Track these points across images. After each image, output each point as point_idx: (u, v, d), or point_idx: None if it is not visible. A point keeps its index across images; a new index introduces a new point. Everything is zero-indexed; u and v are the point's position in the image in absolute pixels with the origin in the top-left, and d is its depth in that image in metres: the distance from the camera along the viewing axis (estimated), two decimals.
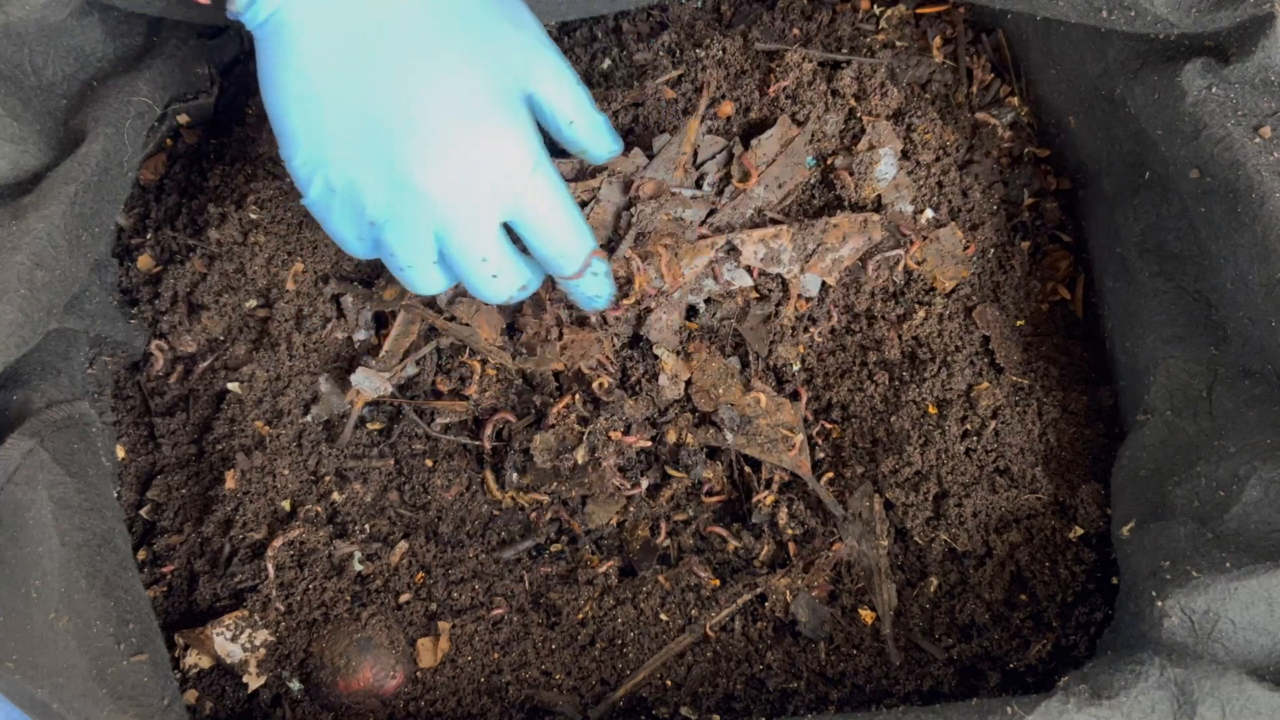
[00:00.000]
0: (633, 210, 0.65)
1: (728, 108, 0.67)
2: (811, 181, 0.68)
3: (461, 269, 0.56)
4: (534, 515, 0.66)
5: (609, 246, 0.65)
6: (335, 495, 0.65)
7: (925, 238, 0.67)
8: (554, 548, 0.66)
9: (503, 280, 0.57)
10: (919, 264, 0.67)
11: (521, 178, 0.54)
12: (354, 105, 0.52)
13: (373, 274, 0.69)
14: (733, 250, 0.66)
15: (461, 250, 0.55)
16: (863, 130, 0.67)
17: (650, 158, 0.66)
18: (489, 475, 0.66)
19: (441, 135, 0.52)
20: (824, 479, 0.65)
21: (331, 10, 0.52)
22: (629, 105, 0.68)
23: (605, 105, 0.68)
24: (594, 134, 0.59)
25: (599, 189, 0.66)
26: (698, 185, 0.66)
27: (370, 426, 0.67)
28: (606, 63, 0.71)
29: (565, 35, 0.73)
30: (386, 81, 0.52)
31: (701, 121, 0.67)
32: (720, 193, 0.67)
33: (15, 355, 0.54)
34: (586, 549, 0.66)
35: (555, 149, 0.59)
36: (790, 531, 0.64)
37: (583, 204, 0.65)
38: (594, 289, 0.61)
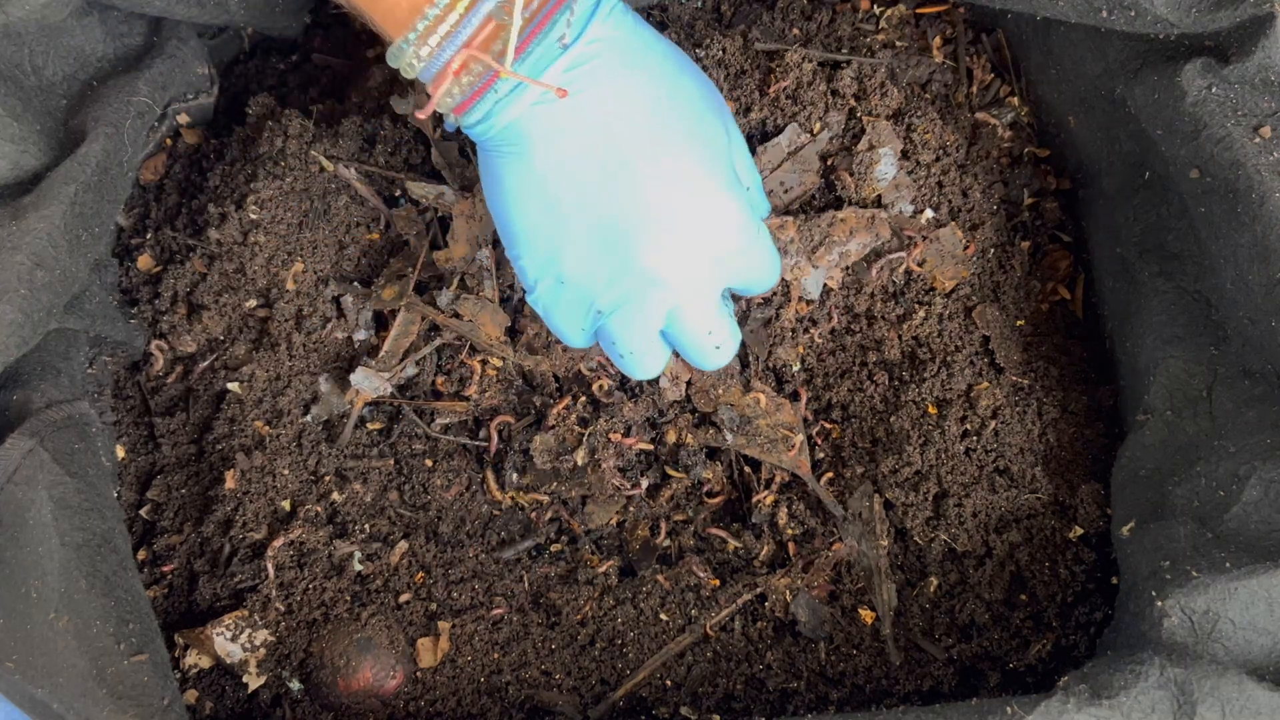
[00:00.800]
0: None
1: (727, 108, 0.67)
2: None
3: (687, 344, 0.59)
4: (534, 515, 0.66)
5: None
6: (335, 495, 0.65)
7: (925, 238, 0.67)
8: (554, 548, 0.66)
9: (724, 348, 0.60)
10: (919, 264, 0.67)
11: (743, 245, 0.57)
12: (587, 205, 0.55)
13: (372, 273, 0.69)
14: None
15: (690, 327, 0.58)
16: (863, 130, 0.67)
17: None
18: (489, 475, 0.66)
19: (673, 223, 0.55)
20: (824, 479, 0.65)
21: (567, 118, 0.53)
22: None
23: None
24: (760, 200, 0.64)
25: None
26: None
27: (370, 426, 0.67)
28: None
29: None
30: (618, 179, 0.54)
31: None
32: None
33: (15, 355, 0.54)
34: (586, 549, 0.66)
35: None
36: (790, 531, 0.64)
37: None
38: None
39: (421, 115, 0.53)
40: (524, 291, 0.59)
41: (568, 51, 0.52)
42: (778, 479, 0.65)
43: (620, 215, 0.55)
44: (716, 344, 0.59)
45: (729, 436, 0.65)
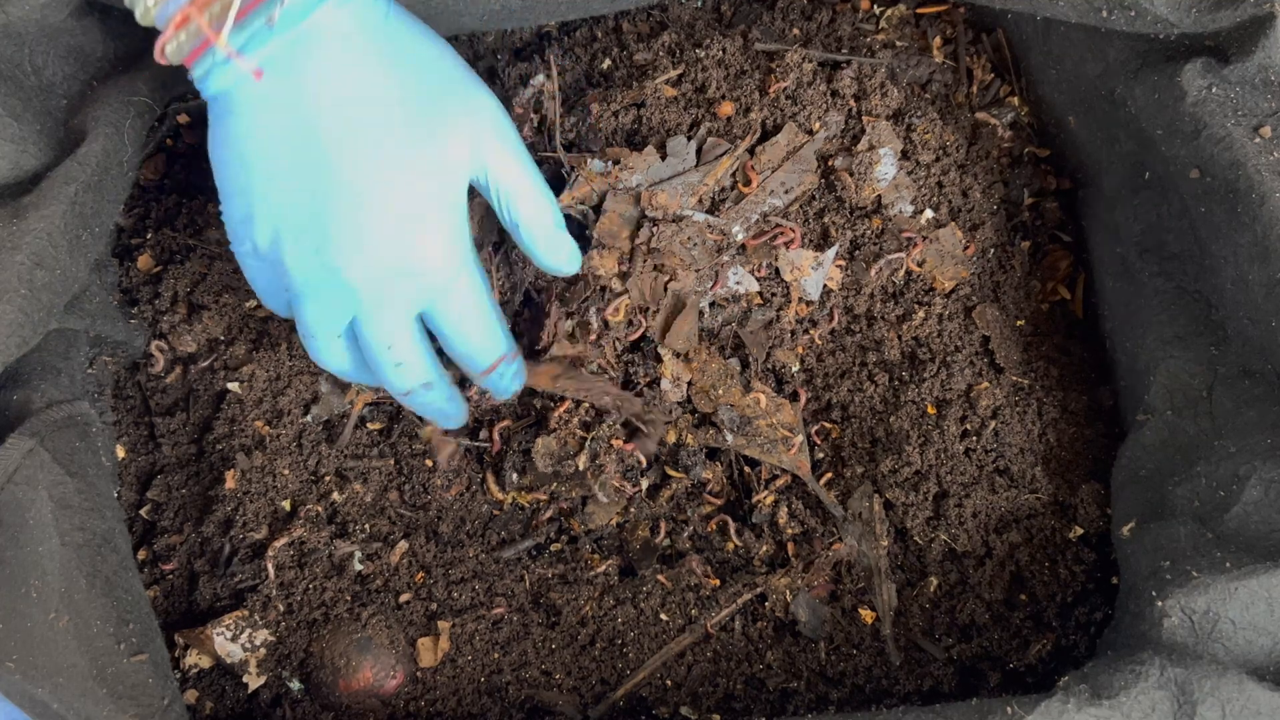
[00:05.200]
0: (651, 231, 0.64)
1: (728, 108, 0.67)
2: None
3: (368, 352, 0.57)
4: (534, 515, 0.66)
5: (621, 262, 0.65)
6: (335, 495, 0.65)
7: (925, 238, 0.67)
8: (554, 547, 0.66)
9: (406, 371, 0.57)
10: (919, 265, 0.67)
11: (443, 278, 0.55)
12: (290, 182, 0.53)
13: None
14: (739, 254, 0.66)
15: (371, 336, 0.56)
16: (863, 130, 0.67)
17: (664, 157, 0.66)
18: (489, 476, 0.66)
19: (372, 229, 0.53)
20: (823, 479, 0.65)
21: (279, 94, 0.52)
22: (629, 105, 0.68)
23: (606, 105, 0.68)
24: (551, 249, 0.60)
25: (601, 200, 0.65)
26: (711, 211, 0.66)
27: (370, 426, 0.67)
28: (606, 62, 0.71)
29: (565, 35, 0.73)
30: (325, 167, 0.53)
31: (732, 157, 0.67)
32: (724, 200, 0.66)
33: (15, 355, 0.54)
34: (586, 549, 0.66)
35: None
36: (790, 531, 0.64)
37: (569, 218, 0.65)
38: (499, 385, 0.61)
39: (156, 56, 0.53)
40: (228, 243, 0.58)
41: (281, 32, 0.51)
42: (779, 480, 0.65)
43: (310, 205, 0.53)
44: (397, 361, 0.56)
45: (729, 437, 0.65)
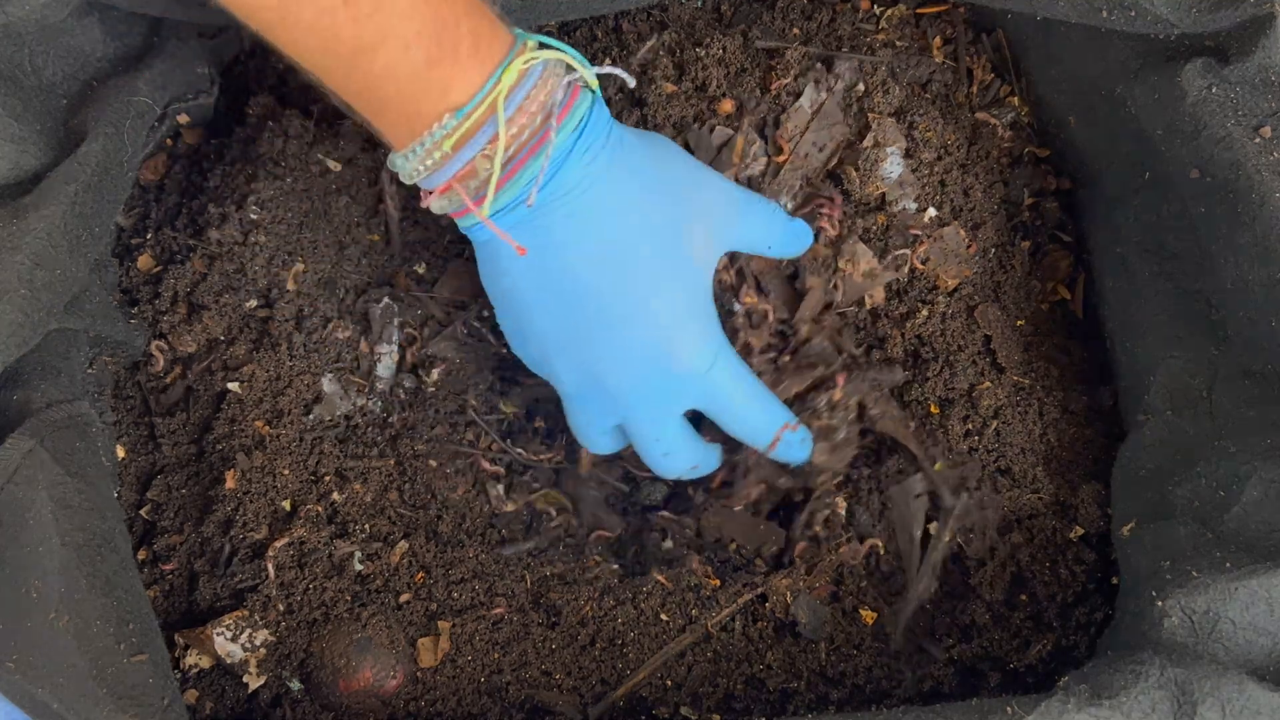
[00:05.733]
0: None
1: (728, 105, 0.67)
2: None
3: (636, 445, 0.62)
4: (535, 515, 0.66)
5: None
6: (335, 495, 0.65)
7: (930, 236, 0.67)
8: (555, 547, 0.66)
9: (673, 460, 0.61)
10: (923, 263, 0.67)
11: (700, 376, 0.59)
12: (555, 311, 0.58)
13: (373, 274, 0.69)
14: None
15: (637, 433, 0.61)
16: (868, 126, 0.67)
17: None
18: (496, 488, 0.66)
19: (630, 346, 0.58)
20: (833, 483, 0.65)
21: (537, 234, 0.56)
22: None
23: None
24: (794, 244, 0.64)
25: None
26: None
27: (371, 426, 0.67)
28: (606, 62, 0.71)
29: (565, 35, 0.73)
30: (583, 299, 0.57)
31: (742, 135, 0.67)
32: (763, 176, 0.66)
33: (15, 355, 0.54)
34: (587, 549, 0.66)
35: None
36: (817, 530, 0.64)
37: None
38: (788, 455, 0.63)
39: (423, 204, 0.58)
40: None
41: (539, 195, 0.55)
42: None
43: (575, 329, 0.58)
44: (664, 452, 0.61)
45: None
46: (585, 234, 0.57)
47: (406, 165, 0.56)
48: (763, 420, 0.61)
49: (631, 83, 0.60)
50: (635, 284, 0.57)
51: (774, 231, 0.63)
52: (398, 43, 0.51)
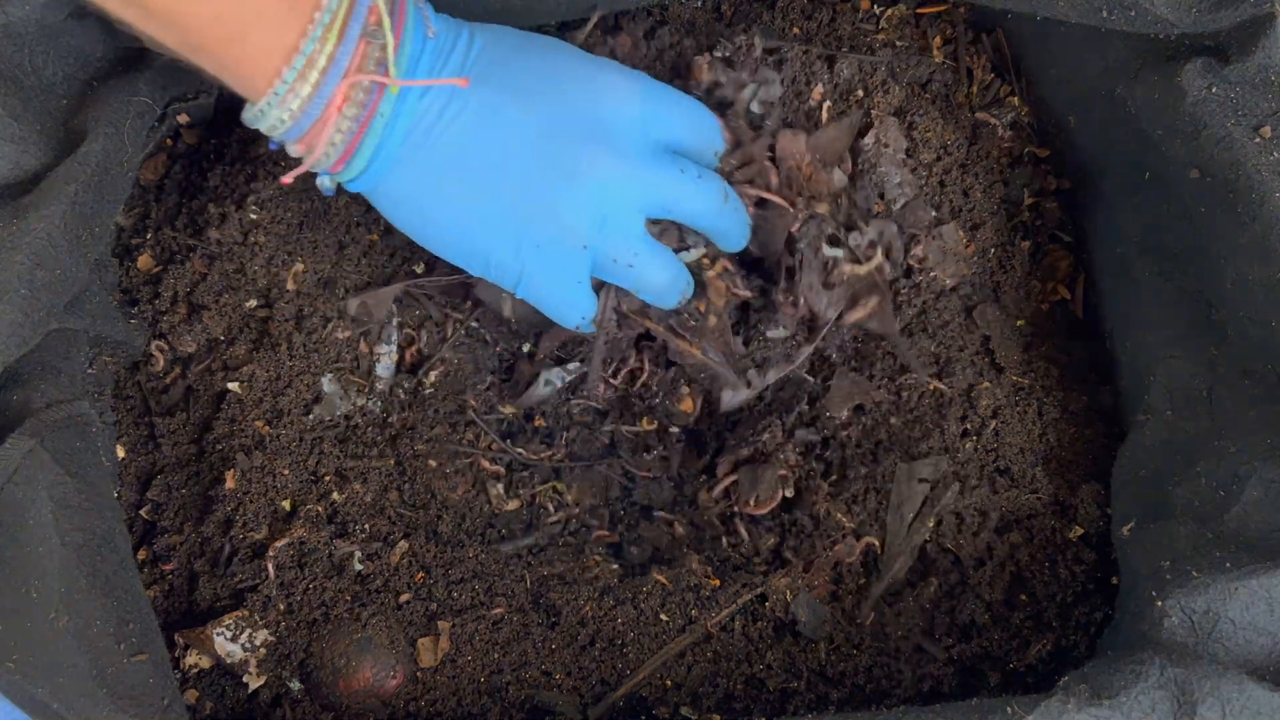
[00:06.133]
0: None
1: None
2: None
3: (617, 275, 0.59)
4: (536, 513, 0.66)
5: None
6: (335, 495, 0.65)
7: (929, 235, 0.67)
8: (555, 545, 0.66)
9: (662, 263, 0.59)
10: (921, 262, 0.67)
11: (643, 177, 0.57)
12: (520, 155, 0.56)
13: (373, 274, 0.69)
14: None
15: (616, 253, 0.58)
16: (869, 125, 0.67)
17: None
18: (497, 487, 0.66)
19: (581, 165, 0.56)
20: (827, 481, 0.65)
21: (455, 96, 0.55)
22: None
23: None
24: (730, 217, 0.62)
25: None
26: None
27: (371, 426, 0.67)
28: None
29: (565, 35, 0.73)
30: (533, 116, 0.55)
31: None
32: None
33: (15, 355, 0.54)
34: (587, 548, 0.66)
35: None
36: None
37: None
38: (735, 221, 0.62)
39: (288, 180, 0.53)
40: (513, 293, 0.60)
41: (438, 51, 0.53)
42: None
43: (517, 190, 0.56)
44: (655, 263, 0.59)
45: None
46: (496, 60, 0.55)
47: (275, 104, 0.51)
48: (717, 190, 0.60)
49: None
50: (565, 95, 0.56)
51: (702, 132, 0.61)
52: None
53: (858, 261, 0.64)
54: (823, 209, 0.64)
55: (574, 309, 0.60)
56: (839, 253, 0.64)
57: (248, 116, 0.53)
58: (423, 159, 0.55)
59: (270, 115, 0.52)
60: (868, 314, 0.65)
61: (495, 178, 0.56)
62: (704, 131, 0.61)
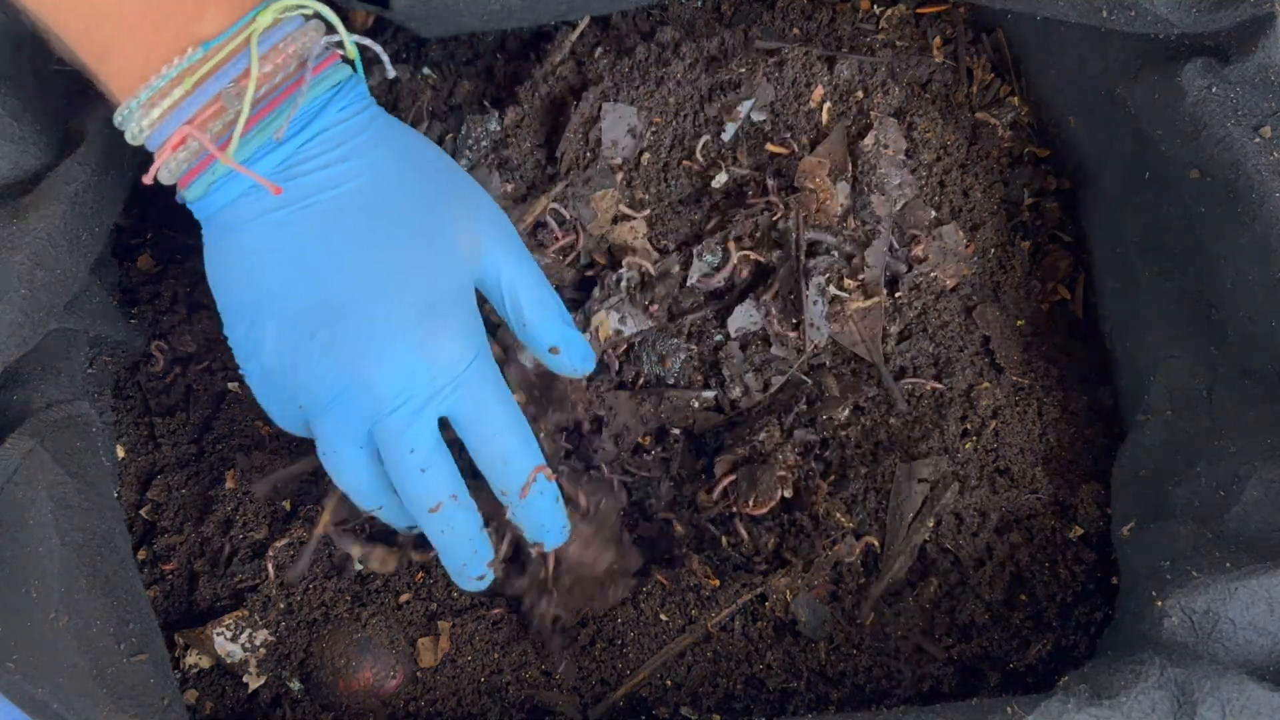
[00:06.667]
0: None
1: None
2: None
3: (390, 461, 0.53)
4: None
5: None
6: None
7: (929, 235, 0.67)
8: None
9: (431, 477, 0.53)
10: (921, 262, 0.67)
11: (463, 372, 0.53)
12: (299, 290, 0.52)
13: None
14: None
15: (392, 440, 0.52)
16: (869, 126, 0.67)
17: None
18: None
19: (387, 327, 0.51)
20: (826, 481, 0.65)
21: (281, 207, 0.52)
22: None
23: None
24: (565, 343, 0.58)
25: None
26: None
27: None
28: (604, 61, 0.71)
29: (562, 34, 0.73)
30: (336, 270, 0.52)
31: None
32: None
33: (15, 355, 0.54)
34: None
35: None
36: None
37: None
38: (542, 514, 0.57)
39: (146, 180, 0.52)
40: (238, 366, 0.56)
41: (285, 145, 0.51)
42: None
43: (322, 310, 0.52)
44: (421, 466, 0.52)
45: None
46: (347, 191, 0.52)
47: (134, 114, 0.50)
48: (521, 446, 0.55)
49: (390, 72, 0.57)
50: (404, 257, 0.52)
51: (548, 309, 0.57)
52: None
53: (871, 296, 0.65)
54: (832, 239, 0.65)
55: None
56: (845, 294, 0.65)
57: (115, 119, 0.52)
58: (229, 235, 0.53)
59: (129, 126, 0.51)
60: (860, 342, 0.65)
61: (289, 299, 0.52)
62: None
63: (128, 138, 0.52)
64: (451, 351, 0.52)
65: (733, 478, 0.64)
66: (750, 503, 0.63)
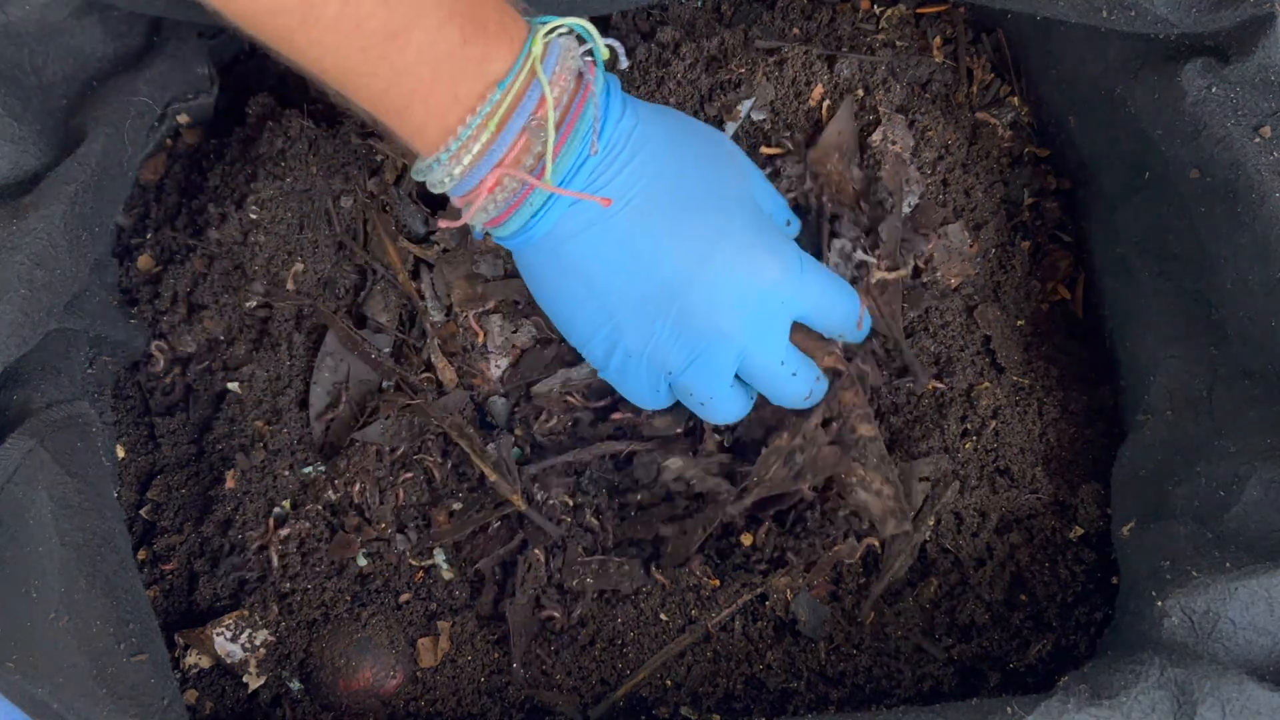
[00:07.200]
0: None
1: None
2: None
3: (763, 382, 0.60)
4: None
5: None
6: (334, 495, 0.64)
7: (936, 234, 0.67)
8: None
9: (801, 376, 0.61)
10: (926, 262, 0.67)
11: (796, 284, 0.58)
12: (632, 285, 0.57)
13: None
14: None
15: (762, 367, 0.59)
16: (877, 122, 0.67)
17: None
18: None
19: (714, 279, 0.57)
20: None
21: (609, 216, 0.55)
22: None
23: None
24: (790, 221, 0.65)
25: None
26: None
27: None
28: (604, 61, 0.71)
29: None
30: (654, 255, 0.56)
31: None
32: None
33: (15, 355, 0.54)
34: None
35: None
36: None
37: None
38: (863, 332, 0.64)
39: (451, 224, 0.55)
40: (594, 370, 0.62)
41: (590, 159, 0.54)
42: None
43: (665, 286, 0.57)
44: (792, 371, 0.60)
45: None
46: (651, 189, 0.56)
47: (442, 164, 0.53)
48: (852, 304, 0.62)
49: (624, 62, 0.59)
50: (710, 215, 0.57)
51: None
52: (431, 22, 0.50)
53: (894, 268, 0.65)
54: (850, 214, 0.66)
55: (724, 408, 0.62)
56: (871, 259, 0.65)
57: (414, 170, 0.55)
58: (560, 252, 0.57)
59: (431, 176, 0.54)
60: (880, 314, 0.65)
61: (621, 289, 0.57)
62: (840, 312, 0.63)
63: (430, 186, 0.54)
64: (777, 277, 0.58)
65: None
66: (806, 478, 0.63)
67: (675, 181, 0.57)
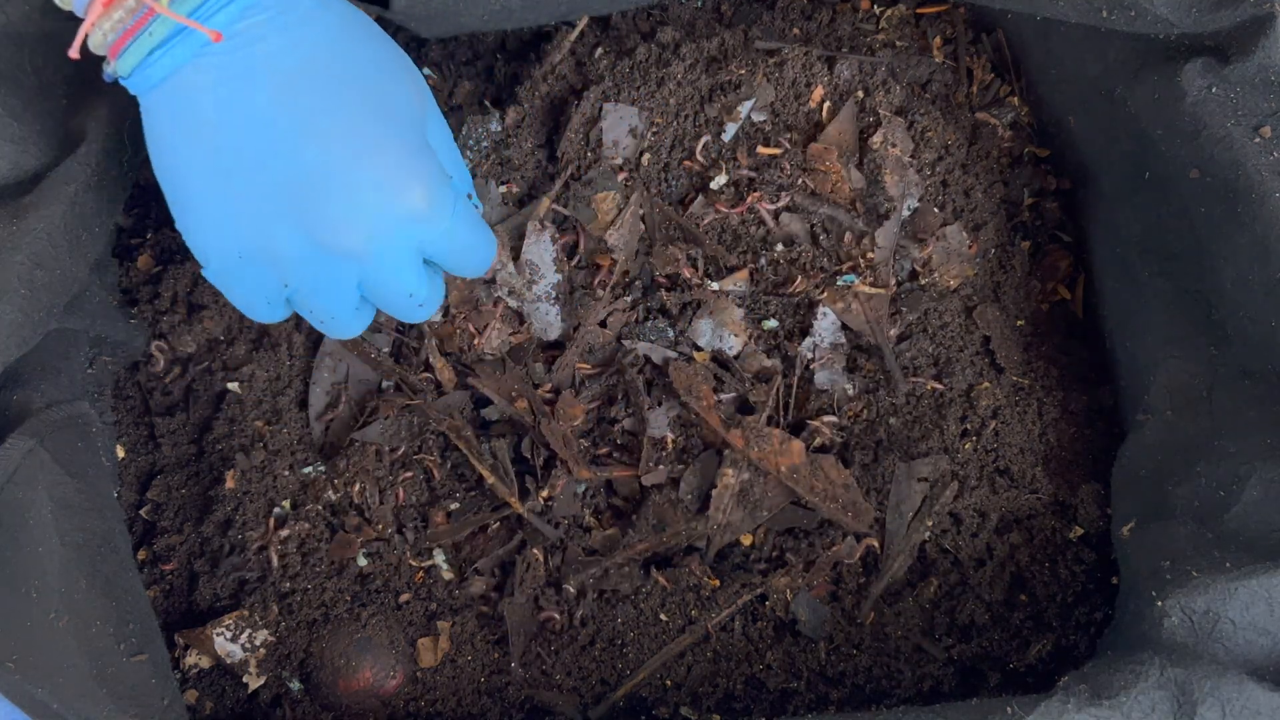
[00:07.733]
0: None
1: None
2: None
3: (388, 306, 0.55)
4: None
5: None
6: (334, 495, 0.65)
7: (935, 236, 0.67)
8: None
9: (427, 306, 0.56)
10: (925, 264, 0.67)
11: (442, 227, 0.53)
12: (260, 170, 0.50)
13: None
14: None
15: (389, 293, 0.54)
16: (877, 124, 0.67)
17: None
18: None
19: (354, 188, 0.50)
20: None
21: (234, 72, 0.49)
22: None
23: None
24: (465, 186, 0.58)
25: None
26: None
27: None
28: (605, 61, 0.71)
29: (559, 34, 0.73)
30: (291, 142, 0.49)
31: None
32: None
33: (15, 355, 0.54)
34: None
35: None
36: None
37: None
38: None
39: (72, 53, 0.48)
40: (199, 267, 0.54)
41: (232, 4, 0.48)
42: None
43: (296, 182, 0.50)
44: (419, 303, 0.55)
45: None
46: (312, 56, 0.50)
47: None
48: (488, 258, 0.57)
49: None
50: (372, 121, 0.51)
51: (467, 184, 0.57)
52: None
53: (878, 285, 0.65)
54: (845, 216, 0.65)
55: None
56: (854, 278, 0.65)
57: None
58: (186, 107, 0.49)
59: None
60: (865, 323, 0.65)
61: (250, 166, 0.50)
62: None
63: (58, 3, 0.49)
64: (424, 211, 0.52)
65: None
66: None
67: (344, 72, 0.50)
